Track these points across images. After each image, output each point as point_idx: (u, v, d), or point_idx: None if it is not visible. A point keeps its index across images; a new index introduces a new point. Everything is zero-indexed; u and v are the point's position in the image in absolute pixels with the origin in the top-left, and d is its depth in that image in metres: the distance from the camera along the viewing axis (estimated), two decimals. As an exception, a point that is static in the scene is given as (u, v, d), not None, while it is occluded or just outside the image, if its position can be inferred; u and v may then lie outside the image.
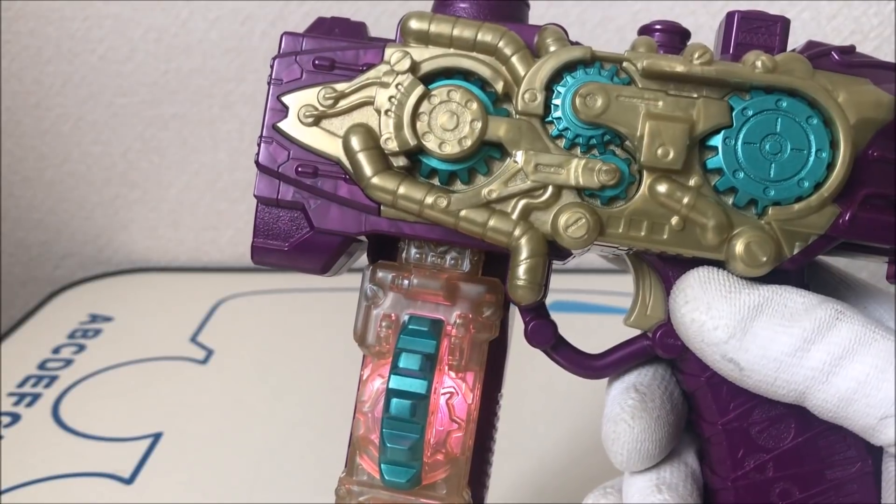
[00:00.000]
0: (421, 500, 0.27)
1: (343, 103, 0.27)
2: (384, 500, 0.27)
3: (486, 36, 0.26)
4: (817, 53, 0.27)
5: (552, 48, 0.26)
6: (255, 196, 0.28)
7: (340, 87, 0.27)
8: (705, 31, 0.71)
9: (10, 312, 0.81)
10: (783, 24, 0.27)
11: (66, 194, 0.81)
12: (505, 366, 0.30)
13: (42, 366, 0.61)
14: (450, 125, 0.26)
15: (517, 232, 0.26)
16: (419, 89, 0.26)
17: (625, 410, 0.27)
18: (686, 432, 0.29)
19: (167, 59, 0.74)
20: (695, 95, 0.26)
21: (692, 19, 0.69)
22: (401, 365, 0.26)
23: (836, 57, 0.27)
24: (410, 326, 0.27)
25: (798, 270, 0.26)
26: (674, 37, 0.27)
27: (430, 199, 0.26)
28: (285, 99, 0.27)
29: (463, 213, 0.26)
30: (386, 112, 0.26)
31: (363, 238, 0.28)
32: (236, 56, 0.74)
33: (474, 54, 0.26)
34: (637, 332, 0.29)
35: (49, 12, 0.72)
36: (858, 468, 0.26)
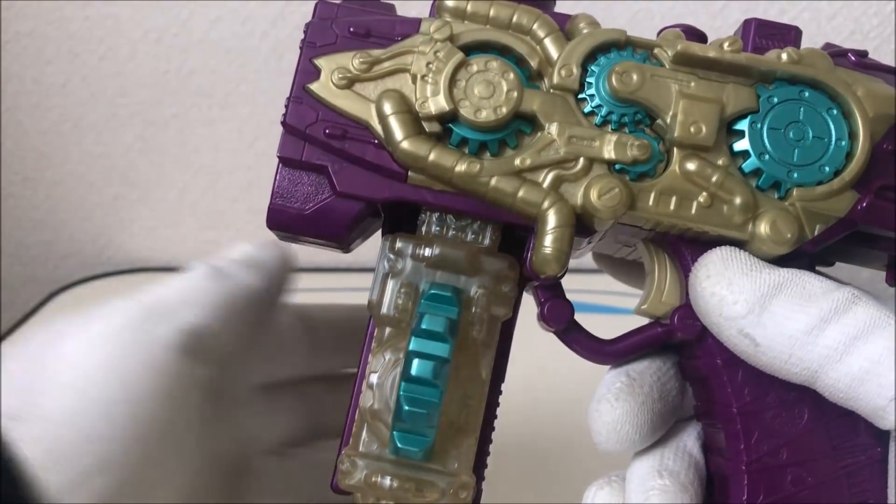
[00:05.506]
0: (430, 477, 0.27)
1: (378, 69, 0.27)
2: (390, 474, 0.27)
3: (522, 18, 0.27)
4: (835, 53, 0.28)
5: (586, 30, 0.27)
6: (277, 156, 0.27)
7: (376, 53, 0.27)
8: (706, 32, 0.71)
9: (10, 312, 0.81)
10: (797, 32, 0.28)
11: (66, 194, 0.81)
12: (508, 361, 0.30)
13: (42, 366, 0.61)
14: (486, 94, 0.26)
15: (546, 203, 0.26)
16: (458, 56, 0.27)
17: (611, 391, 0.27)
18: (691, 423, 0.29)
19: (167, 59, 0.74)
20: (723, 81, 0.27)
21: (692, 19, 0.69)
22: (423, 326, 0.26)
23: (853, 58, 0.28)
24: (433, 292, 0.27)
25: (814, 258, 0.27)
26: (693, 37, 0.29)
27: (461, 166, 0.26)
28: (318, 61, 0.27)
29: (493, 181, 0.26)
30: (423, 77, 0.27)
31: (381, 213, 0.28)
32: (236, 56, 0.74)
33: (511, 32, 0.27)
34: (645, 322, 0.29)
35: (49, 12, 0.72)
36: (869, 456, 0.26)
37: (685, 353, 0.28)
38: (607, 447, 0.27)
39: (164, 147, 0.79)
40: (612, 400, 0.27)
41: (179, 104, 0.76)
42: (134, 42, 0.74)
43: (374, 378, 0.27)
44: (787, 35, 0.28)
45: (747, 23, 0.29)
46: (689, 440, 0.28)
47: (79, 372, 0.25)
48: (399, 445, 0.26)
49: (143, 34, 0.73)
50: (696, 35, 0.29)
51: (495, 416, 0.30)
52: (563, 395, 0.54)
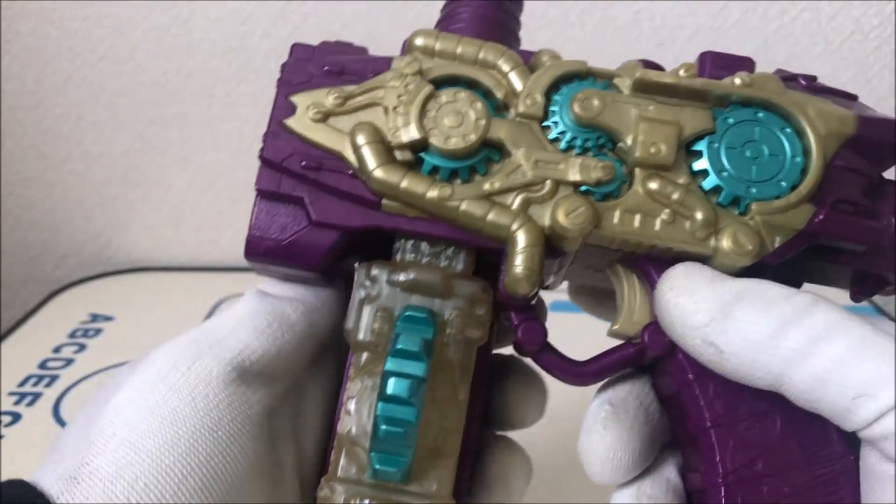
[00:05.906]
0: (408, 499, 0.26)
1: (351, 103, 0.28)
2: (368, 496, 0.26)
3: (487, 54, 0.28)
4: (786, 77, 0.30)
5: (548, 63, 0.28)
6: (256, 189, 0.28)
7: (349, 88, 0.28)
8: (706, 32, 0.72)
9: (10, 312, 0.81)
10: (750, 62, 0.30)
11: (66, 194, 0.81)
12: (488, 388, 0.30)
13: (43, 365, 0.62)
14: (455, 123, 0.27)
15: (516, 224, 0.27)
16: (428, 88, 0.28)
17: (598, 421, 0.28)
18: (668, 450, 0.29)
19: (167, 59, 0.74)
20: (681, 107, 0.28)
21: (692, 19, 0.69)
22: (399, 346, 0.25)
23: (803, 82, 0.29)
24: (408, 313, 0.27)
25: (777, 273, 0.27)
26: (651, 67, 0.30)
27: (433, 191, 0.27)
28: (294, 98, 0.28)
29: (464, 205, 0.27)
30: (394, 109, 0.28)
31: (357, 247, 0.28)
32: (236, 56, 0.74)
33: (478, 66, 0.29)
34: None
35: (49, 12, 0.72)
36: (843, 465, 0.26)
37: (658, 372, 0.29)
38: (602, 478, 0.27)
39: (165, 147, 0.79)
40: (601, 429, 0.27)
41: (179, 104, 0.76)
42: (134, 42, 0.74)
43: (351, 404, 0.27)
44: (742, 65, 0.29)
45: (703, 56, 0.30)
46: (667, 466, 0.29)
47: (128, 424, 0.25)
48: (377, 467, 0.25)
49: (143, 34, 0.73)
50: (654, 67, 0.30)
51: (477, 442, 0.30)
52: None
